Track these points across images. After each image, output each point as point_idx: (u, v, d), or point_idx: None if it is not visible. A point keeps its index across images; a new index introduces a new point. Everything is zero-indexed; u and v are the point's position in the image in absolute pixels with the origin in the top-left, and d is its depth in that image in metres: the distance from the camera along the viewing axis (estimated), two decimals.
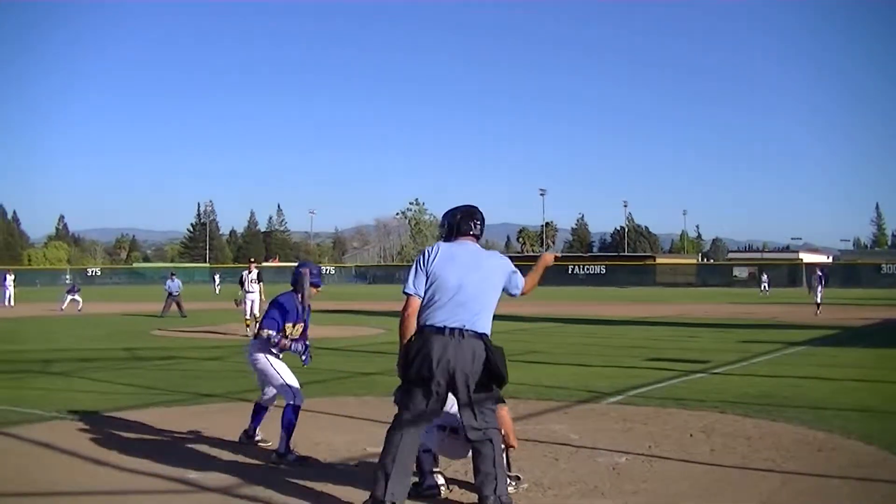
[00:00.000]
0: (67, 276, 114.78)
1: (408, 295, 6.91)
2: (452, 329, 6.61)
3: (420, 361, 6.57)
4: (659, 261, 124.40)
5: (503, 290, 7.16)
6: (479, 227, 7.20)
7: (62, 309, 42.59)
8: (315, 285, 9.68)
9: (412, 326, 6.86)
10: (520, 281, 7.26)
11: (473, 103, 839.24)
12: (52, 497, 7.66)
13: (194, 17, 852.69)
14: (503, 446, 7.19)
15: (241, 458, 8.90)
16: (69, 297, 44.20)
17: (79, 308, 43.70)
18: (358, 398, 12.27)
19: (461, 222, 7.16)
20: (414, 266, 7.01)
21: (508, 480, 7.20)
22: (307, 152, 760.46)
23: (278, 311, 9.36)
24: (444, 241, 7.21)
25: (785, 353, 20.67)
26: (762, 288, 75.50)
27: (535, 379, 15.12)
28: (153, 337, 26.89)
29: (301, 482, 7.89)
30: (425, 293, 6.83)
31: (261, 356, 9.40)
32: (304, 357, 9.64)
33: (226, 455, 9.07)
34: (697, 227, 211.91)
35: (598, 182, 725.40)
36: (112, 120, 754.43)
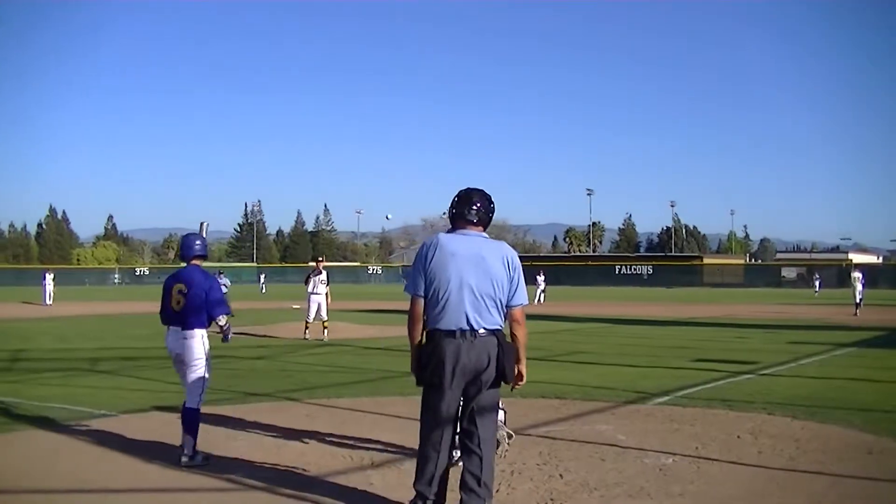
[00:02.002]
0: (116, 276, 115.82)
1: (411, 296, 6.60)
2: (464, 331, 6.39)
3: (434, 367, 6.39)
4: (706, 261, 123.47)
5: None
6: (476, 212, 6.68)
7: None
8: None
9: (419, 327, 6.60)
10: (521, 295, 6.63)
11: (520, 103, 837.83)
12: (102, 494, 7.74)
13: (244, 16, 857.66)
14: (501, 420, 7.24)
15: (287, 457, 8.92)
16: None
17: None
18: (404, 397, 12.25)
19: (458, 208, 6.72)
20: (413, 264, 6.72)
21: (499, 439, 7.20)
22: (354, 152, 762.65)
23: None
24: (448, 231, 6.79)
25: (833, 354, 20.49)
26: (814, 289, 74.74)
27: (582, 379, 15.12)
28: None
29: (345, 481, 7.93)
30: (429, 291, 6.50)
31: (203, 349, 8.95)
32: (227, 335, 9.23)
33: (272, 454, 9.11)
34: (745, 227, 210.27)
35: (646, 182, 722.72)
36: (161, 120, 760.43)
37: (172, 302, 8.94)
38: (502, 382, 6.58)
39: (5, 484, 8.00)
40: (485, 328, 6.41)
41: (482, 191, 6.83)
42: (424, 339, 6.58)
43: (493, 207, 6.82)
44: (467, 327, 6.38)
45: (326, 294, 25.75)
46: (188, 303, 8.83)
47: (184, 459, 8.59)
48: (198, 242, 9.25)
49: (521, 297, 6.65)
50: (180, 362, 8.95)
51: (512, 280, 6.57)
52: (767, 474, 8.23)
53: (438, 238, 6.64)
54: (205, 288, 8.87)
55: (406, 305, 6.75)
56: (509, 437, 8.07)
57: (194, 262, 9.13)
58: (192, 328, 8.84)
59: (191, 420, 8.75)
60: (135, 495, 7.76)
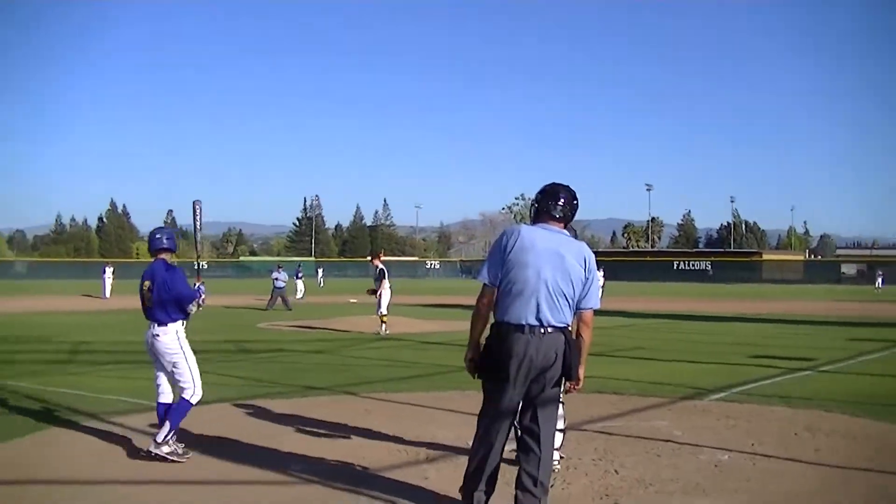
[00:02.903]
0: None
1: (483, 284, 6.43)
2: (533, 326, 6.25)
3: (499, 360, 6.28)
4: (765, 257, 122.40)
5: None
6: (562, 208, 6.59)
7: (298, 298, 45.69)
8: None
9: (487, 317, 6.48)
10: (593, 298, 6.54)
11: (579, 98, 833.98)
12: (161, 485, 7.88)
13: (303, 10, 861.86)
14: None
15: (344, 451, 9.00)
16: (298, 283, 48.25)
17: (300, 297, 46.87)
18: (462, 392, 12.28)
19: (542, 203, 6.64)
20: (490, 252, 6.54)
21: (553, 463, 7.15)
22: (413, 146, 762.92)
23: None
24: (530, 224, 6.67)
25: (894, 351, 20.30)
26: (876, 285, 73.83)
27: (639, 375, 15.11)
28: (259, 330, 27.29)
29: (401, 476, 8.00)
30: (501, 282, 6.35)
31: (177, 343, 8.93)
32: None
33: (329, 447, 9.19)
34: (805, 223, 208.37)
35: (705, 177, 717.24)
36: (220, 115, 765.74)
37: (144, 299, 8.98)
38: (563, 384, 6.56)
39: (68, 474, 8.17)
40: (553, 325, 6.29)
41: (568, 186, 6.75)
42: (489, 331, 6.49)
43: (577, 204, 6.75)
44: (536, 323, 6.25)
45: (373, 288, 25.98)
46: (154, 298, 8.85)
47: (151, 446, 8.61)
48: (159, 236, 9.25)
49: (594, 299, 6.56)
50: (155, 359, 8.98)
51: (587, 281, 6.46)
52: (824, 472, 8.20)
53: (520, 229, 6.49)
54: (166, 281, 8.84)
55: (466, 300, 6.77)
56: (559, 459, 8.09)
57: (161, 256, 9.12)
58: (163, 324, 8.87)
59: (180, 412, 8.81)
60: (193, 487, 7.88)
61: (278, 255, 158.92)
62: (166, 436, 8.63)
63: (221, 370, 15.77)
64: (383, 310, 25.41)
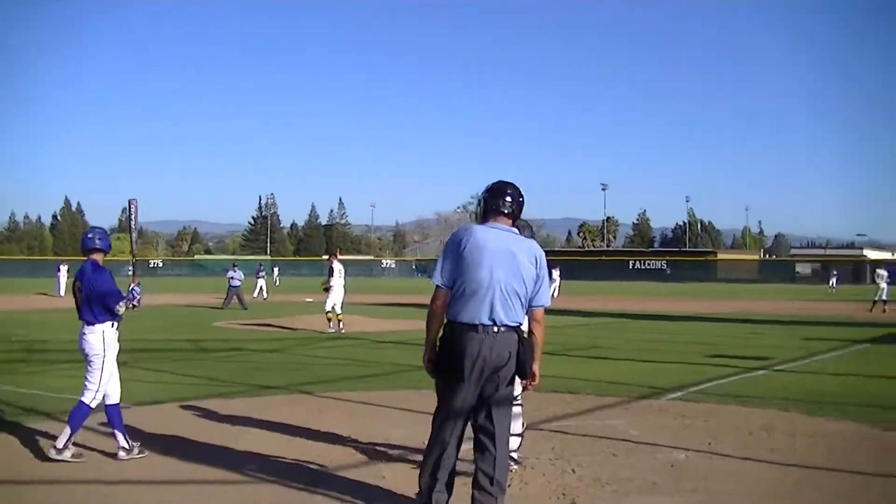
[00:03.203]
0: (130, 268, 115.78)
1: (437, 286, 6.43)
2: (486, 326, 6.25)
3: (453, 360, 6.27)
4: (721, 256, 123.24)
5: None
6: (510, 204, 6.61)
7: (254, 296, 45.49)
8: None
9: (440, 319, 6.45)
10: (544, 295, 6.57)
11: (534, 97, 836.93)
12: (114, 485, 7.79)
13: (259, 8, 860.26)
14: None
15: (300, 450, 8.94)
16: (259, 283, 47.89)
17: (264, 296, 46.68)
18: (418, 391, 12.25)
19: (490, 200, 6.64)
20: (442, 253, 6.52)
21: (510, 463, 7.14)
22: (368, 145, 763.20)
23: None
24: (479, 223, 6.65)
25: (849, 350, 20.48)
26: (830, 285, 74.41)
27: (596, 374, 15.12)
28: (215, 329, 27.18)
29: (356, 475, 7.95)
30: (455, 283, 6.35)
31: (102, 345, 8.85)
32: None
33: (285, 447, 9.13)
34: (760, 222, 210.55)
35: (660, 176, 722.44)
36: (175, 112, 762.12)
37: (76, 299, 8.90)
38: (516, 381, 6.57)
39: (20, 475, 8.07)
40: (506, 324, 6.30)
41: (513, 183, 6.76)
42: (443, 331, 6.47)
43: (523, 201, 6.75)
44: (490, 322, 6.26)
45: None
46: (82, 298, 8.78)
47: (52, 452, 8.49)
48: (90, 236, 9.13)
49: (544, 297, 6.59)
50: (83, 357, 8.90)
51: (538, 279, 6.49)
52: (780, 470, 8.23)
53: (473, 230, 6.48)
54: (92, 281, 8.75)
55: (421, 299, 6.74)
56: (517, 462, 8.06)
57: (93, 256, 9.00)
58: (91, 324, 8.78)
59: (80, 415, 8.70)
60: (146, 487, 7.80)
61: (233, 253, 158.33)
62: (67, 441, 8.54)
63: (177, 369, 15.70)
64: (328, 307, 25.49)
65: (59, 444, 8.50)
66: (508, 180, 6.80)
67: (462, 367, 6.23)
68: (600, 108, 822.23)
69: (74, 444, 8.59)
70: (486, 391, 6.33)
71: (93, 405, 8.79)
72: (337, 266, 26.05)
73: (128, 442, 8.69)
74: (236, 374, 15.24)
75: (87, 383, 8.81)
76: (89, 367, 8.80)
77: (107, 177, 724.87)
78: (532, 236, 7.23)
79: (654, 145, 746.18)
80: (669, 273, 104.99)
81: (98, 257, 9.01)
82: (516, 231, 6.63)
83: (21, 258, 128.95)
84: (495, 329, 6.26)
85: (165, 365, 16.37)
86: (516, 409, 7.61)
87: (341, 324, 25.30)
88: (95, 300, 8.73)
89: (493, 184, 6.77)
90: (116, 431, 8.71)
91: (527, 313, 6.55)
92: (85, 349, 8.79)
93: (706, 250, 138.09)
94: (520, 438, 8.05)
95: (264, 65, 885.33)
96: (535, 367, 6.56)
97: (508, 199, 6.63)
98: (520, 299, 6.38)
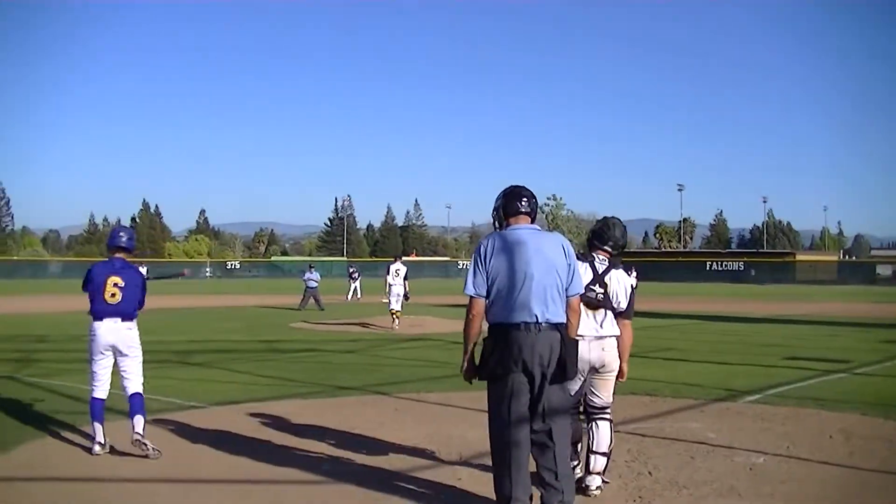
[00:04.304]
0: (208, 269, 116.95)
1: (470, 297, 6.56)
2: (528, 323, 6.37)
3: (497, 360, 6.39)
4: (799, 258, 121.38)
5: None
6: (528, 203, 6.78)
7: (347, 299, 46.22)
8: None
9: (478, 328, 6.58)
10: (577, 284, 6.71)
11: (612, 99, 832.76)
12: (191, 484, 7.96)
13: (344, 15, 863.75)
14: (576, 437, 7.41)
15: (375, 451, 9.03)
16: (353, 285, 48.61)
17: (357, 297, 47.25)
18: None
19: (507, 205, 6.78)
20: (472, 264, 6.65)
21: (572, 465, 7.12)
22: (445, 147, 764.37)
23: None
24: (499, 230, 6.81)
25: None
26: None
27: (672, 376, 15.05)
28: (291, 329, 27.38)
29: (432, 476, 8.01)
30: (490, 289, 6.48)
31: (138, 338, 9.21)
32: None
33: (359, 447, 9.21)
34: (839, 223, 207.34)
35: (738, 177, 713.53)
36: (253, 115, 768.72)
37: (109, 294, 9.02)
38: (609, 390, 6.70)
39: (97, 472, 8.22)
40: (548, 321, 6.41)
41: (524, 186, 6.93)
42: (487, 335, 6.57)
43: (536, 201, 6.93)
44: (531, 320, 6.38)
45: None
46: (127, 294, 9.03)
47: (148, 449, 8.70)
48: (121, 234, 9.47)
49: (578, 285, 6.73)
50: (118, 353, 9.09)
51: (569, 268, 6.62)
52: (859, 476, 8.14)
53: (497, 235, 6.70)
54: (133, 277, 9.16)
55: None
56: (604, 482, 7.94)
57: (119, 254, 9.29)
58: (132, 318, 9.14)
59: (141, 403, 8.99)
60: (222, 486, 7.91)
61: (310, 255, 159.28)
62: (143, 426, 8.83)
63: (253, 370, 15.87)
64: (391, 306, 27.57)
65: (140, 430, 8.76)
66: (516, 184, 6.99)
67: (508, 363, 6.35)
68: (677, 108, 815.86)
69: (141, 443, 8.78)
70: (536, 389, 6.42)
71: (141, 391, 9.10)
72: (395, 266, 28.08)
73: (100, 438, 8.89)
74: (312, 374, 15.36)
75: (137, 375, 9.14)
76: (133, 361, 9.12)
77: (184, 179, 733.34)
78: (624, 235, 7.84)
79: (730, 145, 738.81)
80: (747, 274, 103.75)
81: (124, 256, 9.28)
82: (538, 228, 6.80)
83: (101, 259, 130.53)
84: (538, 327, 6.37)
85: (241, 365, 16.54)
86: (604, 424, 7.66)
87: (396, 321, 27.22)
88: (140, 298, 9.13)
89: (507, 189, 6.93)
90: (96, 423, 8.93)
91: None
92: (127, 343, 9.06)
93: (784, 251, 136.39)
94: (606, 458, 7.73)
95: (342, 67, 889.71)
96: (625, 365, 7.13)
97: (525, 199, 6.80)
98: (557, 293, 6.50)
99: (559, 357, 6.39)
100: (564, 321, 6.54)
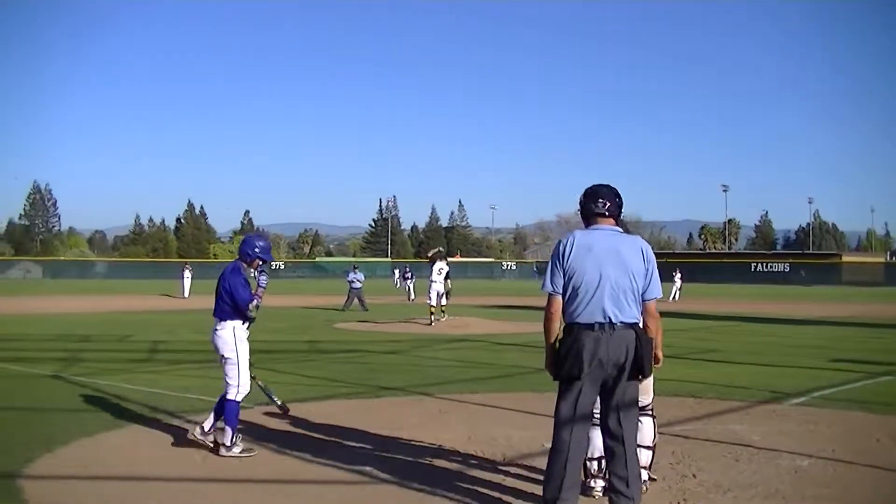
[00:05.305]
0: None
1: (549, 294, 6.65)
2: (602, 324, 6.41)
3: (572, 360, 6.39)
4: (845, 259, 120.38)
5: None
6: (605, 205, 6.75)
7: (410, 300, 46.68)
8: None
9: (556, 325, 6.64)
10: (655, 288, 6.70)
11: (656, 99, 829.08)
12: (236, 483, 8.00)
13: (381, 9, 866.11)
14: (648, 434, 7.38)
15: (418, 451, 9.05)
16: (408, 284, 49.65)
17: (412, 298, 47.48)
18: (538, 393, 12.25)
19: (586, 204, 6.82)
20: (550, 262, 6.71)
21: (643, 480, 7.07)
22: (489, 147, 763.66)
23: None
24: (582, 228, 6.85)
25: None
26: None
27: (716, 378, 14.97)
28: (335, 330, 27.47)
29: (477, 476, 8.01)
30: (567, 288, 6.54)
31: (233, 342, 9.33)
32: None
33: (403, 447, 9.26)
34: (886, 224, 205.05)
35: (783, 178, 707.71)
36: (297, 116, 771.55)
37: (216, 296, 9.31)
38: (649, 389, 6.63)
39: (147, 471, 8.29)
40: (623, 321, 6.43)
41: (607, 185, 6.93)
42: (562, 335, 6.59)
43: (621, 201, 6.88)
44: (606, 321, 6.41)
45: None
46: (218, 295, 9.38)
47: (222, 450, 8.89)
48: (259, 244, 9.70)
49: (656, 290, 6.70)
50: (217, 353, 9.38)
51: (647, 272, 6.62)
52: None
53: (575, 235, 6.70)
54: (229, 281, 9.34)
55: (542, 301, 6.82)
56: (651, 479, 7.88)
57: (241, 261, 9.56)
58: (222, 320, 9.40)
59: (232, 412, 9.07)
60: (267, 486, 7.96)
61: (354, 255, 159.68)
62: (232, 438, 8.91)
63: (297, 370, 15.93)
64: (429, 301, 28.81)
65: (227, 441, 8.88)
66: (602, 183, 6.96)
67: (581, 366, 6.35)
68: (721, 108, 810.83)
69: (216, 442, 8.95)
70: (608, 391, 6.46)
71: (238, 399, 9.12)
72: (438, 265, 29.13)
73: (233, 440, 8.94)
74: (355, 374, 15.41)
75: (227, 379, 9.18)
76: (226, 364, 9.20)
77: (229, 180, 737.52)
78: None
79: (775, 146, 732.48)
80: (792, 276, 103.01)
81: (243, 263, 9.47)
82: (619, 230, 6.77)
83: (146, 260, 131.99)
84: (612, 327, 6.40)
85: (285, 366, 16.60)
86: (647, 420, 7.60)
87: (433, 317, 28.04)
88: (227, 299, 9.19)
89: (588, 188, 6.93)
90: (227, 427, 8.97)
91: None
92: (217, 345, 9.22)
93: (830, 252, 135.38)
94: (651, 452, 7.70)
95: (389, 69, 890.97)
96: (659, 352, 6.79)
97: (602, 200, 6.78)
98: (633, 295, 6.52)
99: (635, 354, 6.41)
100: (638, 321, 6.57)
